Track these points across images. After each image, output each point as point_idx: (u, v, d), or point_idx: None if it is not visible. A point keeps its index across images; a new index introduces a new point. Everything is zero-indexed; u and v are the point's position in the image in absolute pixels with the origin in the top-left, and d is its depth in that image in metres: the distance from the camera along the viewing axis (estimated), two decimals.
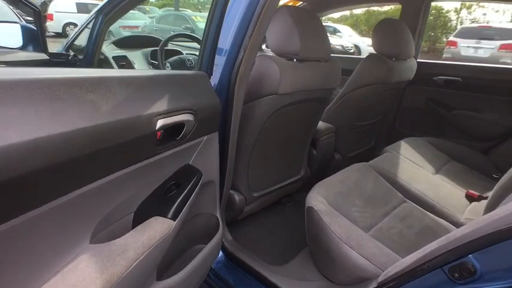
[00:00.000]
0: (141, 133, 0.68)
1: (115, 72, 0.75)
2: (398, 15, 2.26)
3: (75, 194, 0.57)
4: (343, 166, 2.11)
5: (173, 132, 0.82)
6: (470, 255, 0.70)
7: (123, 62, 2.26)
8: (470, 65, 2.13)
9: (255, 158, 1.43)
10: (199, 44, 1.93)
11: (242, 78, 1.06)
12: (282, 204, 1.87)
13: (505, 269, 0.67)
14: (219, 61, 1.05)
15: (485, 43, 8.60)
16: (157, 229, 0.64)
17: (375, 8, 12.53)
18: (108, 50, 2.30)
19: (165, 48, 1.90)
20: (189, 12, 12.58)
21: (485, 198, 1.51)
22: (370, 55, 1.80)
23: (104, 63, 2.08)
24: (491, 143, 2.02)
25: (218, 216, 1.17)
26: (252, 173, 1.46)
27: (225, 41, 1.02)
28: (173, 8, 15.36)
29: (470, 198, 1.50)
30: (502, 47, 8.40)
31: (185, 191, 0.76)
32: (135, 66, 2.30)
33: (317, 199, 1.21)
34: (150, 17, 12.07)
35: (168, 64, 1.89)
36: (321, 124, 1.81)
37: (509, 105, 1.93)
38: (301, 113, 1.49)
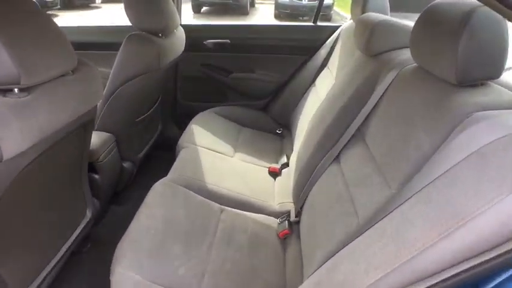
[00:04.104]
0: None
1: None
2: None
3: None
4: (137, 173, 1.76)
5: None
6: None
7: None
8: (236, 25, 2.06)
9: (7, 249, 0.89)
10: None
11: None
12: (79, 253, 1.40)
13: None
14: None
15: None
16: None
17: None
18: None
19: None
20: None
21: (285, 165, 1.56)
22: (132, 36, 1.38)
23: None
24: (267, 100, 2.11)
25: None
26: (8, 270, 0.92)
27: None
28: None
29: (274, 174, 1.52)
30: None
31: None
32: None
33: (127, 279, 0.87)
34: None
35: None
36: (94, 140, 1.34)
37: (276, 63, 2.01)
38: (60, 153, 1.00)
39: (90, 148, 1.28)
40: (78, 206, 1.24)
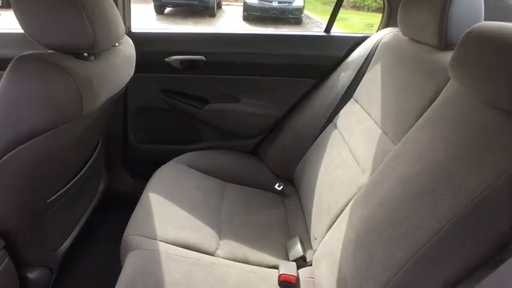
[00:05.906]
0: None
1: None
2: None
3: None
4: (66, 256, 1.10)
5: None
6: None
7: None
8: (214, 34, 1.44)
9: None
10: None
11: None
12: None
13: None
14: None
15: None
16: None
17: None
18: None
19: None
20: None
21: (302, 260, 0.98)
22: (23, 60, 0.71)
23: None
24: (257, 139, 1.52)
25: None
26: None
27: None
28: None
29: (288, 287, 0.91)
30: None
31: None
32: None
33: None
34: None
35: None
36: None
37: (272, 88, 1.42)
38: None
39: None
40: None
